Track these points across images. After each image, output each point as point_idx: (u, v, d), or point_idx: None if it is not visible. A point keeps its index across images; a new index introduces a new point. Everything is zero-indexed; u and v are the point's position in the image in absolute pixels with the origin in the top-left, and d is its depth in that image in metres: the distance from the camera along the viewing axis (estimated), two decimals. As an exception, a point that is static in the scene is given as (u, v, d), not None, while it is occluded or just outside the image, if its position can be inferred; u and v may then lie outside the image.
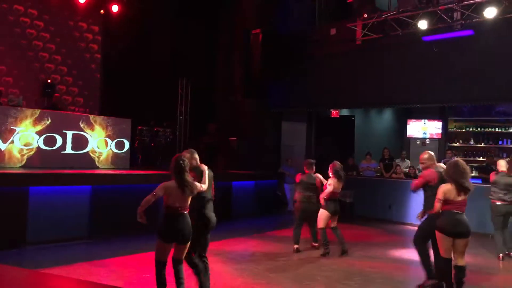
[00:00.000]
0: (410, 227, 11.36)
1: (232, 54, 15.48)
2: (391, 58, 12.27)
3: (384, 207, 12.33)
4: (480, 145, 15.29)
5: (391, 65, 12.28)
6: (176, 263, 5.17)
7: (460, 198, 5.53)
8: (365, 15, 12.03)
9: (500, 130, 15.15)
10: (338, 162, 8.22)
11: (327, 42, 13.54)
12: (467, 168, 5.64)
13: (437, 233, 5.65)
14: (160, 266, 5.06)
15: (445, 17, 10.79)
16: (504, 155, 13.84)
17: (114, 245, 8.32)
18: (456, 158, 5.84)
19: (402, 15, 11.31)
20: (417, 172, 12.93)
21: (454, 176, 5.51)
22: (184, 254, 5.20)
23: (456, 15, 10.82)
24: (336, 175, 8.00)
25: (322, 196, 7.96)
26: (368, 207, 12.40)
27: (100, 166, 11.27)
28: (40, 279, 3.95)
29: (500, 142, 15.05)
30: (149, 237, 8.90)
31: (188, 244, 5.15)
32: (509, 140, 14.94)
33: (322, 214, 8.03)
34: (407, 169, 13.11)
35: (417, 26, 11.07)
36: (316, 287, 6.27)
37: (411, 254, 8.61)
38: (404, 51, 12.03)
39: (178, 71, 14.48)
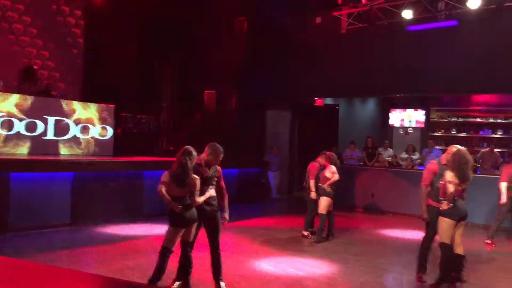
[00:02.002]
0: (392, 215, 11.53)
1: (217, 42, 15.36)
2: (376, 48, 12.31)
3: (367, 195, 12.45)
4: (462, 135, 15.51)
5: (375, 54, 12.31)
6: (185, 245, 5.18)
7: (462, 187, 5.68)
8: (351, 4, 12.04)
9: (481, 120, 15.38)
10: (333, 153, 8.77)
11: (312, 31, 13.51)
12: (470, 157, 5.75)
13: (443, 220, 5.72)
14: (166, 252, 5.04)
15: (430, 7, 10.85)
16: (485, 144, 14.09)
17: (96, 232, 8.28)
18: (458, 147, 5.88)
19: (387, 5, 11.35)
20: (399, 161, 13.09)
21: (457, 165, 5.61)
22: (192, 237, 5.21)
23: (441, 5, 10.90)
24: (335, 164, 8.40)
25: (328, 183, 8.26)
26: (351, 196, 12.52)
27: (82, 152, 11.16)
28: (21, 267, 3.91)
29: (481, 132, 15.29)
30: (131, 225, 8.95)
31: (195, 224, 5.16)
32: (489, 130, 15.18)
33: (326, 201, 8.29)
34: (390, 158, 13.24)
35: (402, 15, 11.12)
36: (299, 274, 6.31)
37: (392, 242, 8.76)
38: (388, 40, 12.08)
39: (163, 59, 14.33)
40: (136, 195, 9.82)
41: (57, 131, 10.71)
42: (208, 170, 5.34)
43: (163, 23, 14.44)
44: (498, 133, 15.01)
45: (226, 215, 5.53)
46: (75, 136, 11.06)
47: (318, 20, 13.61)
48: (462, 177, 5.64)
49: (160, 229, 8.80)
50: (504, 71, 10.48)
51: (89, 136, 11.32)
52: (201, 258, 5.78)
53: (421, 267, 6.18)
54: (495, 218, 8.79)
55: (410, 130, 16.36)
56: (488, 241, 8.55)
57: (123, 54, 13.17)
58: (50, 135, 10.61)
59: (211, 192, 5.32)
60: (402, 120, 16.25)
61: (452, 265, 5.83)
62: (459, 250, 5.83)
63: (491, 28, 10.72)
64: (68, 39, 13.55)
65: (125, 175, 9.80)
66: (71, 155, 10.83)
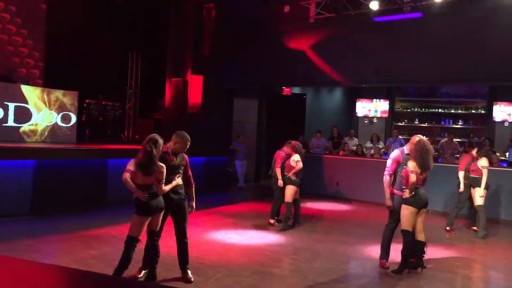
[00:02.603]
0: (356, 203, 11.75)
1: (184, 29, 15.16)
2: (343, 38, 12.41)
3: (332, 184, 12.64)
4: (424, 125, 15.91)
5: (342, 44, 12.41)
6: (152, 235, 5.12)
7: (423, 175, 5.88)
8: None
9: (442, 111, 15.81)
10: (298, 142, 8.86)
11: (280, 20, 13.49)
12: (431, 147, 5.99)
13: (405, 208, 5.92)
14: (132, 242, 4.96)
15: (396, -1, 10.99)
16: (445, 134, 14.48)
17: (58, 222, 8.10)
18: (421, 137, 6.05)
19: (354, -5, 11.43)
20: (364, 150, 13.32)
21: (419, 154, 5.77)
22: (159, 226, 5.15)
23: (406, -3, 11.05)
24: (299, 153, 8.50)
25: (293, 172, 8.35)
26: (316, 184, 12.67)
27: (44, 140, 10.87)
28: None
29: (442, 122, 15.73)
30: (93, 214, 8.80)
31: (162, 213, 5.11)
32: (450, 121, 15.63)
33: (291, 189, 8.40)
34: (355, 147, 13.45)
35: (369, 6, 11.23)
36: (264, 261, 6.38)
37: (356, 229, 8.93)
38: (356, 31, 12.19)
39: (128, 45, 14.07)
40: (100, 184, 9.66)
41: (18, 118, 10.39)
42: (175, 158, 5.30)
43: (129, 9, 14.16)
44: (459, 123, 15.46)
45: (194, 204, 5.52)
46: (36, 123, 10.75)
47: (287, 8, 13.60)
48: (423, 166, 5.83)
49: (125, 218, 8.70)
50: (466, 63, 10.76)
51: (51, 123, 11.03)
52: (167, 247, 5.75)
53: (384, 254, 6.33)
54: (454, 205, 9.08)
55: (375, 120, 16.65)
56: (448, 228, 8.83)
57: (88, 41, 12.84)
58: (10, 122, 10.29)
59: (178, 180, 5.28)
60: (370, 110, 16.52)
61: (414, 251, 6.01)
62: (420, 237, 6.03)
63: (454, 20, 10.95)
64: (28, 23, 13.09)
65: (89, 163, 9.61)
66: (33, 142, 10.54)
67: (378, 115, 16.49)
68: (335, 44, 12.59)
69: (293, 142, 8.74)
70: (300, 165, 8.39)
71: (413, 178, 5.80)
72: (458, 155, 12.32)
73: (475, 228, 8.81)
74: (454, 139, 13.13)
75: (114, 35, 13.73)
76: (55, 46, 13.12)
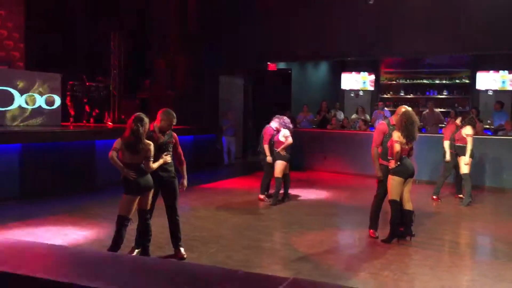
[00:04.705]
0: (343, 175, 11.88)
1: (169, 8, 14.93)
2: (328, 11, 12.35)
3: (319, 157, 12.73)
4: (409, 96, 16.03)
5: (326, 18, 12.36)
6: (143, 214, 5.15)
7: (408, 146, 5.97)
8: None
9: (427, 82, 15.93)
10: (285, 117, 8.84)
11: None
12: (416, 118, 6.09)
13: (392, 178, 6.02)
14: (123, 221, 4.97)
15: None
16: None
17: (47, 205, 8.07)
18: (406, 108, 6.12)
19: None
20: (351, 123, 13.39)
21: (404, 125, 5.84)
22: (149, 204, 5.17)
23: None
24: (288, 128, 8.56)
25: (282, 147, 8.38)
26: (305, 158, 12.75)
27: (29, 123, 10.74)
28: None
29: (427, 93, 15.86)
30: (82, 195, 8.78)
31: (151, 192, 5.12)
32: (435, 91, 15.76)
33: (281, 164, 8.42)
34: (341, 121, 13.52)
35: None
36: (255, 236, 6.46)
37: (345, 201, 9.07)
38: (339, 4, 12.13)
39: (112, 24, 13.81)
40: (88, 165, 9.61)
41: (1, 101, 10.22)
42: (162, 136, 5.30)
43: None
44: (444, 93, 15.60)
45: (185, 181, 5.54)
46: (20, 106, 10.60)
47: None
48: (408, 137, 5.90)
49: (114, 199, 8.70)
50: (448, 33, 10.81)
51: (35, 106, 10.88)
52: (158, 225, 5.79)
53: (373, 224, 6.44)
54: (440, 174, 9.23)
55: (360, 93, 16.71)
56: (434, 197, 9.00)
57: (70, 21, 12.59)
58: (-7, 106, 10.14)
59: (166, 158, 5.28)
60: (357, 82, 16.57)
61: (402, 220, 6.14)
62: (408, 206, 6.14)
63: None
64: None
65: (76, 144, 9.54)
66: (17, 125, 10.41)
67: (367, 86, 16.53)
68: (319, 18, 12.53)
69: (280, 116, 8.74)
70: (290, 140, 8.43)
71: (397, 147, 5.88)
72: (442, 125, 12.48)
73: (461, 196, 8.98)
74: (437, 109, 13.24)
75: (95, 14, 13.47)
76: (36, 27, 12.85)
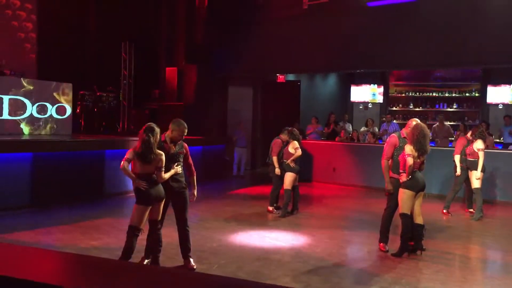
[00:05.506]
0: (353, 187, 11.82)
1: (177, 18, 15.07)
2: (337, 23, 12.40)
3: (329, 170, 12.68)
4: (418, 109, 15.97)
5: (336, 30, 12.41)
6: (154, 225, 5.16)
7: (420, 159, 5.94)
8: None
9: (437, 95, 15.87)
10: (294, 128, 8.85)
11: (273, 7, 13.44)
12: (428, 131, 6.07)
13: (403, 192, 5.97)
14: (134, 231, 4.98)
15: (389, -17, 10.98)
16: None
17: (57, 213, 8.11)
18: (417, 121, 6.12)
19: (347, -20, 11.40)
20: (360, 135, 13.35)
21: (416, 138, 5.82)
22: (160, 215, 5.18)
23: (400, -19, 11.04)
24: (298, 139, 8.56)
25: (291, 159, 8.36)
26: (314, 170, 12.72)
27: (40, 132, 10.82)
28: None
29: (436, 106, 15.80)
30: (92, 205, 8.80)
31: (163, 202, 5.13)
32: (445, 104, 15.70)
33: (291, 176, 8.41)
34: (350, 134, 13.48)
35: (362, -9, 11.22)
36: (265, 247, 6.42)
37: (355, 214, 9.01)
38: (349, 16, 12.18)
39: (122, 35, 13.96)
40: (97, 175, 9.65)
41: (13, 111, 10.32)
42: (173, 146, 5.31)
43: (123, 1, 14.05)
44: (453, 106, 15.54)
45: (195, 192, 5.54)
46: (31, 115, 10.69)
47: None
48: (421, 150, 5.88)
49: (123, 208, 8.74)
50: (459, 46, 10.79)
51: (46, 115, 10.97)
52: (168, 236, 5.78)
53: (384, 237, 6.39)
54: (451, 188, 9.16)
55: (369, 105, 16.69)
56: (445, 211, 8.92)
57: (82, 31, 12.73)
58: (5, 115, 10.23)
59: (177, 168, 5.29)
60: (366, 94, 16.54)
61: (412, 234, 6.09)
62: (418, 220, 6.09)
63: (447, 4, 10.96)
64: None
65: (86, 154, 9.59)
66: (29, 135, 10.49)
67: (377, 98, 16.49)
68: (329, 30, 12.58)
69: (289, 128, 8.74)
70: (299, 152, 8.42)
71: (410, 161, 5.85)
72: (451, 138, 12.41)
73: (471, 210, 8.90)
74: (446, 122, 13.17)
75: (107, 26, 13.60)
76: (48, 37, 13.01)
